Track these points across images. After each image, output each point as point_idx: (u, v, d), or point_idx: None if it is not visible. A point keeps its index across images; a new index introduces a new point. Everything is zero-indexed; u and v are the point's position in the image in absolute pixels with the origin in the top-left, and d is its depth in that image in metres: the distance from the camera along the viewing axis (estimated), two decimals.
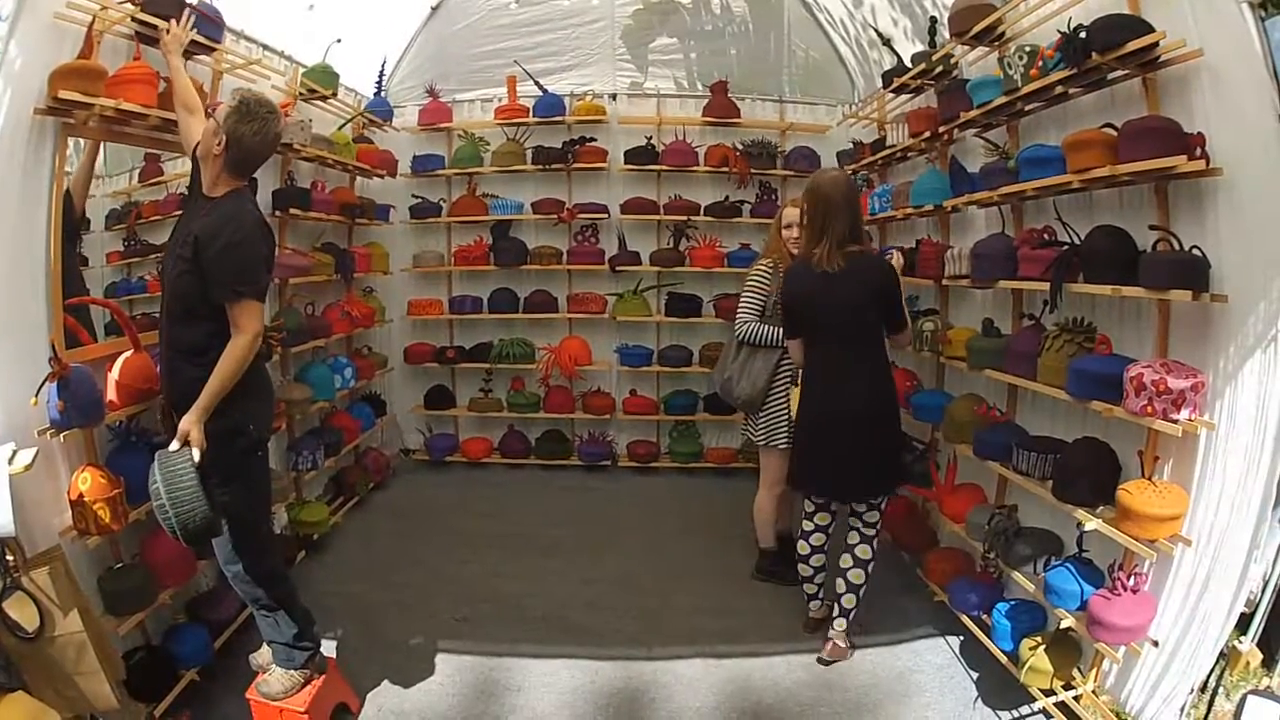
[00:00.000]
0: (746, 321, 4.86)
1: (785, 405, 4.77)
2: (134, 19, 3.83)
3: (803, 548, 4.39)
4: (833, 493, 4.27)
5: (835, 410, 4.07)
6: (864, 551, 4.21)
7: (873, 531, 4.24)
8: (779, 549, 5.07)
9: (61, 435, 3.22)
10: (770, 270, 4.87)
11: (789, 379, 4.77)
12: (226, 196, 3.23)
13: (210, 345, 3.07)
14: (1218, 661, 3.35)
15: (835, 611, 4.25)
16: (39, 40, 3.37)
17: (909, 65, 5.28)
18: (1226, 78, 3.05)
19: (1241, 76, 2.98)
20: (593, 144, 7.26)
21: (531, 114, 7.23)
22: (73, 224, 3.69)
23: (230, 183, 3.26)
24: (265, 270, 3.28)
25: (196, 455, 2.93)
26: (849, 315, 4.01)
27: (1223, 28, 3.01)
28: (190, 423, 2.99)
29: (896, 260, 4.51)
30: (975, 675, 4.15)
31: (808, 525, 4.37)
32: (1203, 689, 3.39)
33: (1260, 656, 3.62)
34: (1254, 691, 3.08)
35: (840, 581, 4.23)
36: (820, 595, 4.48)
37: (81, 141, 3.77)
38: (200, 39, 4.14)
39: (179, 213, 4.06)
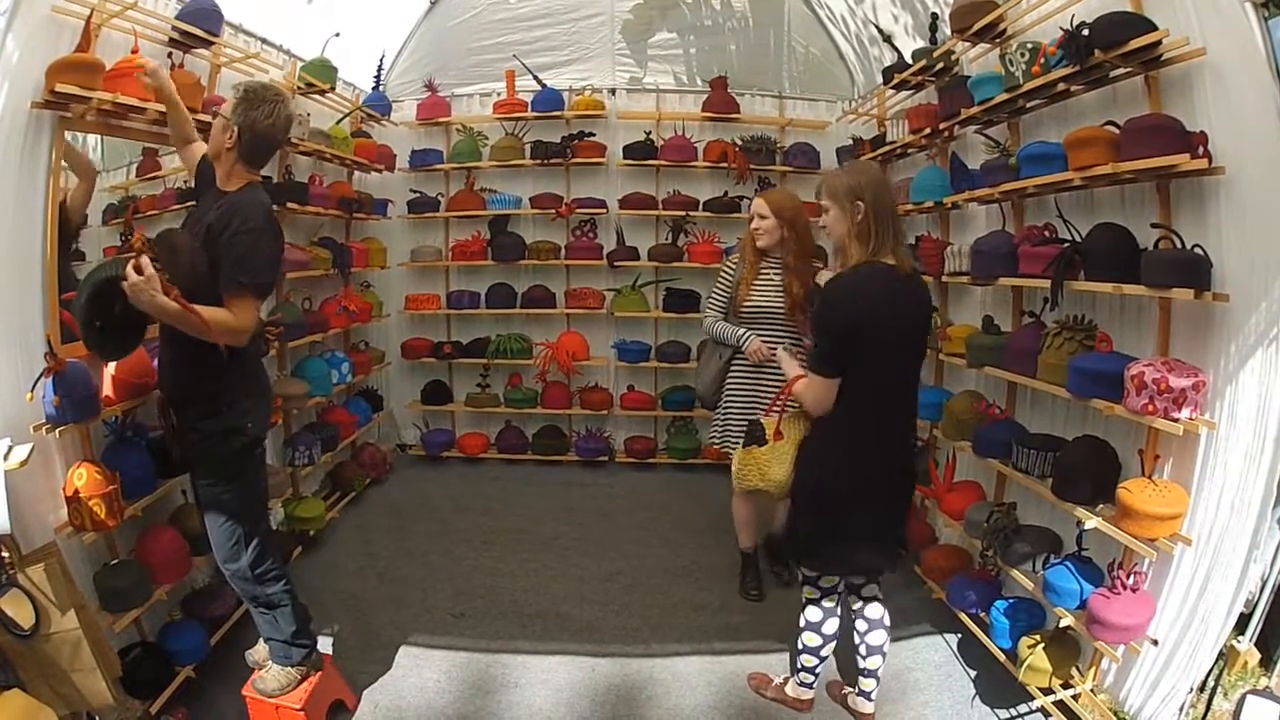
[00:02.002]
0: (707, 316, 4.85)
1: (735, 408, 4.71)
2: (172, 29, 3.82)
3: (812, 639, 3.68)
4: (881, 568, 3.65)
5: (891, 469, 3.34)
6: (877, 609, 3.72)
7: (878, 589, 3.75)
8: (766, 547, 5.12)
9: (57, 431, 3.21)
10: (736, 265, 4.80)
11: (745, 385, 4.69)
12: (241, 190, 3.21)
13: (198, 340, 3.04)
14: (1216, 661, 3.34)
15: (865, 673, 3.76)
16: (36, 34, 3.36)
17: (910, 61, 5.26)
18: (1229, 77, 3.04)
19: (1244, 75, 2.97)
20: (591, 139, 7.25)
21: (530, 109, 7.22)
22: (67, 236, 3.68)
23: (245, 175, 3.25)
24: (270, 268, 3.22)
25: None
26: (914, 337, 3.29)
27: (1225, 27, 3.00)
28: (151, 287, 2.74)
29: (824, 277, 4.06)
30: (973, 673, 4.15)
31: (822, 608, 3.65)
32: (1201, 689, 3.38)
33: (1258, 656, 3.62)
34: (1253, 691, 3.08)
35: (863, 647, 3.71)
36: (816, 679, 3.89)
37: (84, 139, 3.76)
38: (198, 33, 4.13)
39: (177, 207, 4.06)
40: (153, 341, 3.53)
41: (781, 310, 4.61)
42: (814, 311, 3.27)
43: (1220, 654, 3.35)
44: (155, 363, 3.65)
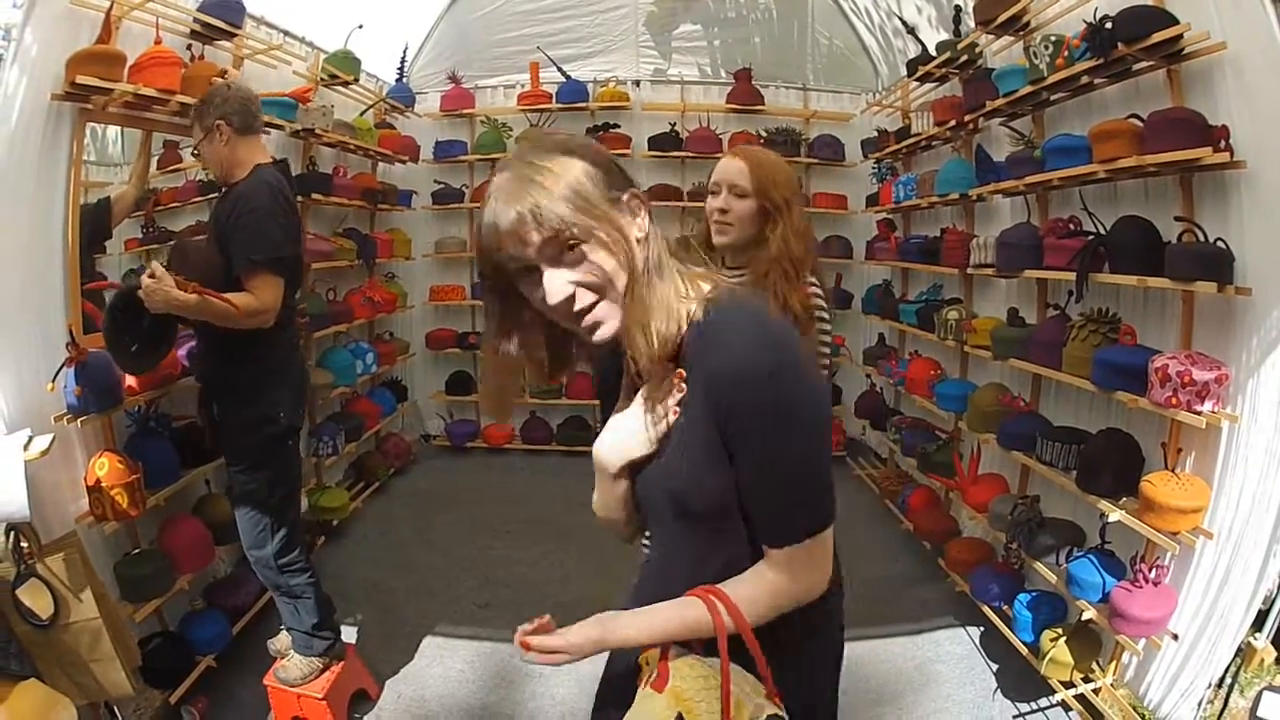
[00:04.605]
0: None
1: None
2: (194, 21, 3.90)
3: None
4: None
5: None
6: None
7: None
8: None
9: (79, 421, 3.22)
10: None
11: None
12: (246, 177, 3.22)
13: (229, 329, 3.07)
14: (1234, 658, 3.31)
15: None
16: (56, 26, 3.37)
17: (933, 54, 5.24)
18: (1249, 71, 3.02)
19: (1264, 70, 2.95)
20: (616, 130, 7.24)
21: (554, 100, 7.24)
22: (104, 231, 3.75)
23: (248, 156, 3.25)
24: (283, 242, 3.18)
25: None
26: None
27: (1246, 22, 2.99)
28: (164, 285, 2.82)
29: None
30: (995, 666, 4.13)
31: None
32: (1219, 684, 3.35)
33: (1274, 653, 3.58)
34: (1270, 688, 3.05)
35: None
36: None
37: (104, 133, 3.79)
38: (220, 25, 4.16)
39: (198, 199, 4.11)
40: (182, 333, 3.56)
41: None
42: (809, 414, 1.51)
43: (1238, 650, 3.32)
44: (180, 353, 3.70)
